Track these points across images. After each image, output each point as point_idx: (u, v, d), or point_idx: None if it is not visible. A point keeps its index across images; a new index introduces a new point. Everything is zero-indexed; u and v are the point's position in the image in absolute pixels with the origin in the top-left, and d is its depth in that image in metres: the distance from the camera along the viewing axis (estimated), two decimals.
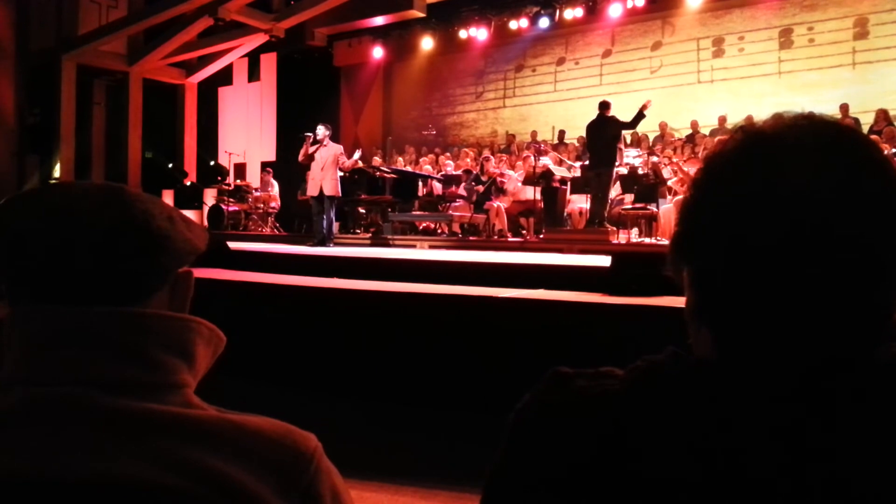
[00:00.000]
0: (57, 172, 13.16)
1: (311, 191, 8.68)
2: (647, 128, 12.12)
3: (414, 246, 9.01)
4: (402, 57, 15.73)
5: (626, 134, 10.93)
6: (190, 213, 11.42)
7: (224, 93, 15.70)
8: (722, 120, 11.57)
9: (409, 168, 12.30)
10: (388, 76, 16.40)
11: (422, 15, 11.94)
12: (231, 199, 12.55)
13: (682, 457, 0.54)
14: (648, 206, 8.77)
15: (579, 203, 9.43)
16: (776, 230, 0.54)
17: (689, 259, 0.61)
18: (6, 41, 13.03)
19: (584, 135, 10.18)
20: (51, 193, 0.73)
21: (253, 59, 14.74)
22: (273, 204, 12.46)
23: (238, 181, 13.45)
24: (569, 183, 9.64)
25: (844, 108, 10.51)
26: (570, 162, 10.69)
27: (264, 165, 13.82)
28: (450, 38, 14.33)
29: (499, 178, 10.08)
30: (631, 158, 9.81)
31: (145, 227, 0.71)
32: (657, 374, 0.58)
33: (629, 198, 9.16)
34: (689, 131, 11.75)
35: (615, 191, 9.08)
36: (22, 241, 0.68)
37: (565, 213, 9.56)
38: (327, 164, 8.49)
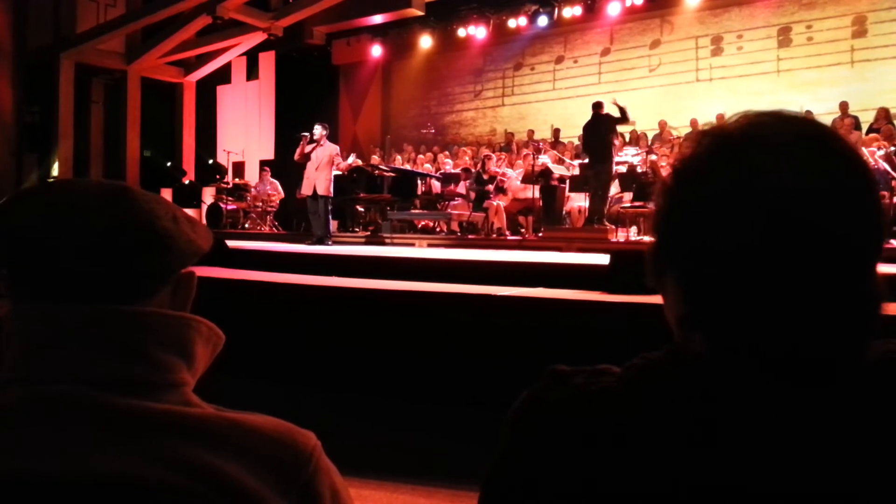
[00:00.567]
0: (55, 171, 13.14)
1: (306, 190, 8.70)
2: (646, 126, 12.14)
3: (413, 244, 9.01)
4: (400, 55, 15.73)
5: (626, 132, 10.94)
6: (188, 212, 11.39)
7: (222, 91, 15.69)
8: (720, 118, 11.38)
9: (408, 167, 12.29)
10: (387, 75, 16.39)
11: (420, 13, 11.93)
12: (229, 198, 12.54)
13: (679, 454, 0.54)
14: (647, 205, 8.78)
15: (578, 201, 9.43)
16: (756, 227, 0.53)
17: (671, 266, 0.60)
18: (4, 39, 13.00)
19: (581, 133, 10.21)
20: (55, 191, 0.73)
21: (251, 57, 14.73)
22: (272, 202, 12.45)
23: (237, 180, 13.45)
24: (567, 181, 9.64)
25: (844, 105, 10.51)
26: (568, 160, 10.69)
27: (262, 164, 13.81)
28: (448, 37, 14.32)
29: (500, 178, 10.08)
30: (630, 157, 9.82)
31: (149, 226, 0.71)
32: (654, 371, 0.58)
33: (628, 196, 9.17)
34: (689, 129, 11.74)
35: (614, 189, 9.09)
36: (25, 238, 0.68)
37: (564, 212, 9.57)
38: (322, 164, 8.50)
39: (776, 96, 11.57)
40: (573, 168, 10.05)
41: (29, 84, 13.40)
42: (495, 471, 0.62)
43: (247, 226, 12.32)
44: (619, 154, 9.28)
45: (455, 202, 10.37)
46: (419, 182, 10.39)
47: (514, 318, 3.60)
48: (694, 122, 11.74)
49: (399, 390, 3.70)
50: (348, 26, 13.31)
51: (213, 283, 4.37)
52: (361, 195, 10.19)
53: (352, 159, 9.60)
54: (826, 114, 10.63)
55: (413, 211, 10.58)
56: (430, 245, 8.88)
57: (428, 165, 12.35)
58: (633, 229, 9.03)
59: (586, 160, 8.99)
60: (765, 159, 0.55)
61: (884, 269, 0.58)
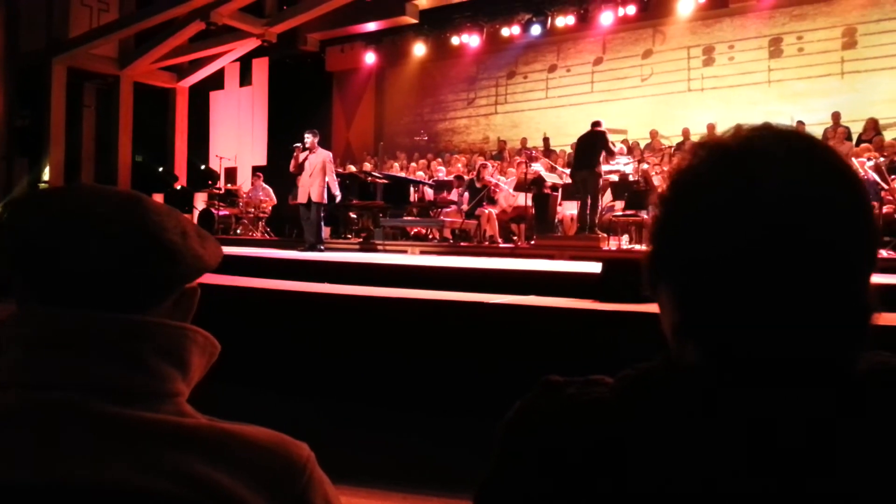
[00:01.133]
0: (46, 175, 13.07)
1: (301, 197, 8.71)
2: (638, 135, 12.20)
3: (405, 251, 9.01)
4: (394, 63, 15.76)
5: (617, 141, 10.99)
6: (182, 214, 11.34)
7: (215, 97, 15.67)
8: (711, 128, 11.63)
9: (402, 174, 12.30)
10: (381, 82, 16.42)
11: (414, 21, 11.96)
12: (221, 204, 12.51)
13: (672, 466, 0.54)
14: (639, 213, 8.81)
15: (570, 209, 9.45)
16: (751, 238, 0.54)
17: (667, 275, 0.61)
18: None
19: (573, 142, 10.25)
20: (67, 195, 0.72)
21: (245, 63, 14.73)
22: (264, 208, 12.43)
23: (229, 185, 13.41)
24: (560, 189, 9.67)
25: (836, 115, 10.60)
26: (561, 168, 10.72)
27: (255, 170, 13.79)
28: (442, 45, 14.37)
29: (492, 188, 10.10)
30: (621, 165, 9.86)
31: (156, 238, 0.70)
32: (647, 382, 0.58)
33: (619, 204, 9.20)
34: (681, 139, 11.81)
35: (606, 198, 9.13)
36: (32, 241, 0.68)
37: (556, 220, 9.59)
38: (315, 171, 8.51)
39: (767, 106, 11.66)
40: (565, 176, 10.08)
41: (20, 88, 13.35)
42: (488, 480, 0.62)
43: (238, 232, 12.29)
44: (611, 163, 9.34)
45: (448, 209, 10.38)
46: (412, 189, 10.39)
47: (506, 326, 3.60)
48: (686, 132, 11.81)
49: (390, 398, 3.68)
50: (342, 33, 13.33)
51: (204, 289, 4.34)
52: (354, 202, 10.18)
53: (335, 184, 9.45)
54: (817, 124, 10.72)
55: (406, 218, 10.58)
56: (422, 252, 8.88)
57: (421, 173, 12.35)
58: (625, 238, 9.05)
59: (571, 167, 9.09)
60: (760, 172, 0.55)
61: (874, 279, 0.58)
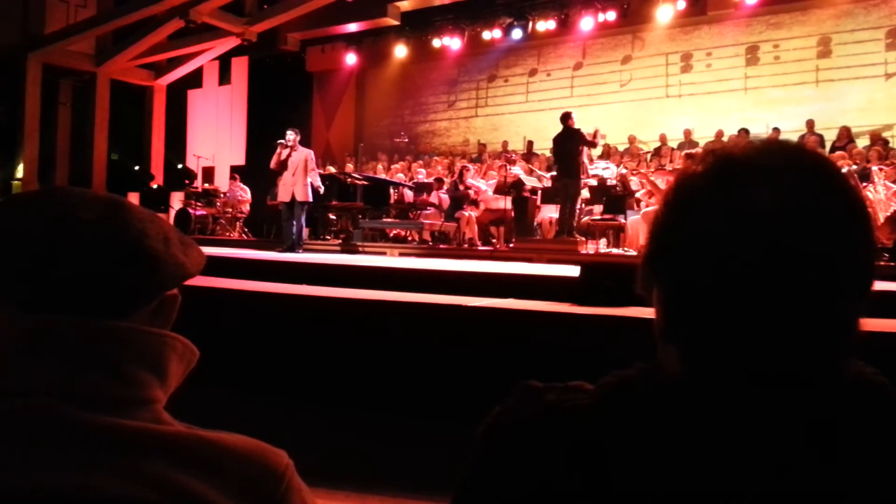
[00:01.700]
0: (20, 173, 12.86)
1: (283, 196, 8.58)
2: (616, 140, 12.30)
3: (384, 253, 8.99)
4: (375, 64, 15.73)
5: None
6: (164, 220, 11.22)
7: (194, 95, 15.53)
8: (687, 133, 11.79)
9: (383, 175, 12.28)
10: (361, 83, 16.38)
11: (395, 23, 11.98)
12: (199, 203, 12.39)
13: (650, 473, 0.54)
14: (616, 217, 8.88)
15: (549, 213, 9.50)
16: (747, 250, 0.55)
17: (659, 277, 0.61)
18: None
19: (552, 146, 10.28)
20: (48, 198, 0.71)
21: (224, 62, 14.62)
22: (242, 208, 12.33)
23: (206, 185, 13.30)
24: (539, 193, 9.72)
25: (810, 123, 10.78)
26: (540, 172, 10.78)
27: (233, 170, 13.68)
28: (423, 47, 14.37)
29: (474, 188, 10.12)
30: (600, 170, 9.93)
31: (137, 245, 0.69)
32: (627, 389, 0.59)
33: (598, 209, 9.26)
34: (658, 144, 11.93)
35: (583, 200, 9.18)
36: (10, 245, 0.67)
37: (535, 223, 9.63)
38: (298, 170, 8.42)
39: (743, 113, 11.82)
40: (545, 180, 10.14)
41: None
42: (465, 485, 0.62)
43: (216, 231, 12.18)
44: (594, 155, 9.37)
45: (427, 212, 10.38)
46: (392, 191, 10.38)
47: (485, 329, 3.61)
48: (663, 137, 11.93)
49: (368, 401, 3.67)
50: (323, 34, 13.30)
51: (181, 291, 4.30)
52: (333, 203, 10.14)
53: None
54: (792, 131, 10.89)
55: (385, 220, 10.56)
56: (401, 254, 8.87)
57: (401, 175, 12.34)
58: (603, 241, 9.12)
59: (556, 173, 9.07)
60: (760, 185, 0.56)
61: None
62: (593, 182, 9.37)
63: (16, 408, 0.63)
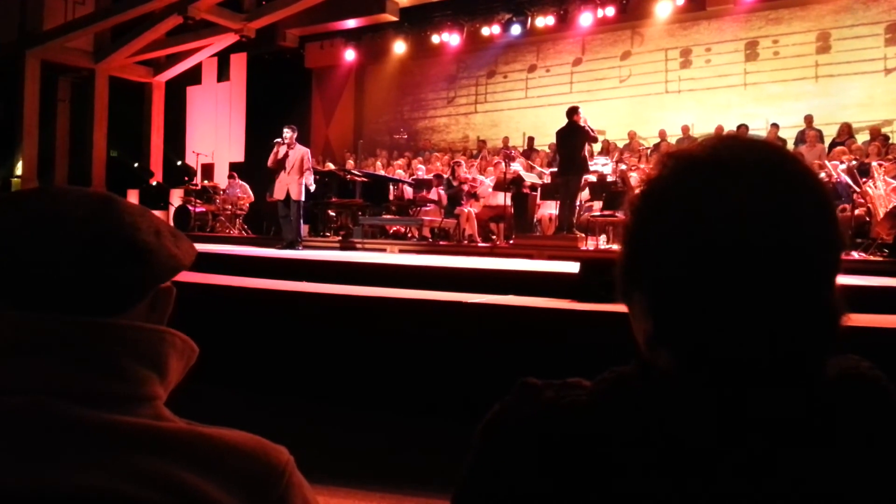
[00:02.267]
0: (19, 170, 12.85)
1: (279, 194, 8.63)
2: (616, 136, 12.30)
3: (384, 250, 8.99)
4: (374, 60, 15.71)
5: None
6: (155, 214, 11.22)
7: (192, 92, 15.51)
8: (685, 129, 11.78)
9: (382, 172, 12.27)
10: (360, 79, 16.36)
11: (394, 19, 11.94)
12: (198, 200, 12.38)
13: (649, 469, 0.55)
14: (616, 213, 8.87)
15: (549, 209, 9.50)
16: (719, 250, 0.55)
17: (639, 283, 0.62)
18: None
19: (553, 141, 10.27)
20: (39, 197, 0.71)
21: (223, 58, 14.59)
22: (242, 205, 12.32)
23: (205, 182, 13.28)
24: (539, 189, 9.71)
25: (809, 119, 10.76)
26: (540, 168, 10.77)
27: (230, 169, 13.66)
28: (422, 43, 14.35)
29: (469, 183, 10.11)
30: (599, 166, 9.93)
31: (130, 239, 0.70)
32: (624, 386, 0.59)
33: (597, 205, 9.26)
34: (658, 140, 11.92)
35: (584, 197, 9.18)
36: (3, 245, 0.67)
37: (535, 219, 9.62)
38: (294, 168, 8.44)
39: (743, 109, 11.81)
40: (545, 176, 10.14)
41: None
42: (465, 482, 0.63)
43: (216, 228, 12.17)
44: (595, 150, 9.38)
45: (427, 208, 10.38)
46: (391, 187, 10.37)
47: (485, 326, 3.61)
48: (662, 133, 11.92)
49: (369, 398, 3.68)
50: (322, 30, 13.27)
51: (180, 287, 4.30)
52: (333, 199, 10.13)
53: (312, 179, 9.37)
54: (791, 127, 10.89)
55: (385, 216, 10.56)
56: (401, 251, 8.87)
57: (401, 171, 12.33)
58: (603, 238, 9.12)
59: (557, 168, 9.05)
60: (726, 182, 0.57)
61: (844, 280, 0.59)
62: (593, 178, 9.37)
63: (14, 406, 0.63)
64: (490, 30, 13.51)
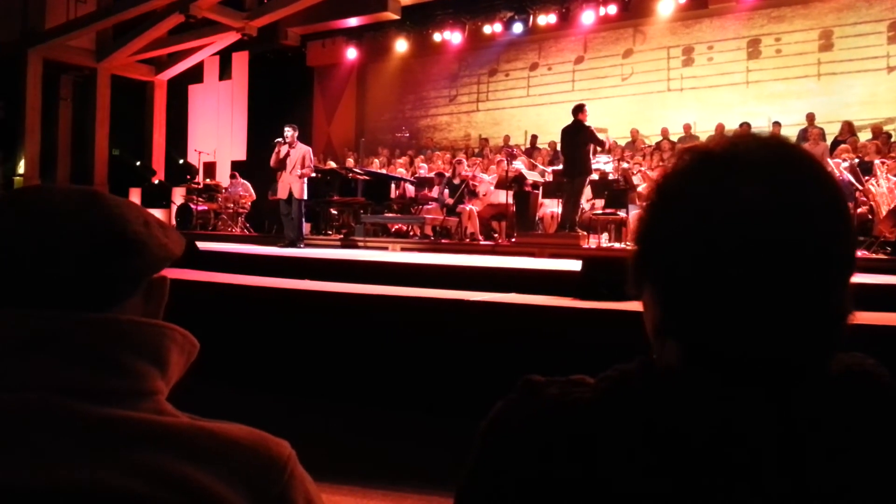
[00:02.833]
0: (21, 169, 12.87)
1: (281, 192, 8.67)
2: (618, 134, 12.28)
3: (386, 248, 8.99)
4: (375, 58, 15.70)
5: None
6: (158, 213, 11.26)
7: (194, 90, 15.52)
8: (687, 128, 11.76)
9: (384, 170, 12.27)
10: (362, 77, 16.35)
11: (396, 17, 11.93)
12: (200, 199, 12.39)
13: (652, 466, 0.55)
14: (618, 212, 8.87)
15: (551, 207, 9.50)
16: (732, 245, 0.56)
17: (649, 275, 0.62)
18: None
19: (555, 140, 10.26)
20: (26, 195, 0.72)
21: (224, 57, 14.59)
22: (244, 204, 12.32)
23: (207, 180, 13.29)
24: (541, 187, 9.71)
25: (811, 117, 10.74)
26: (542, 166, 10.77)
27: (232, 168, 13.67)
28: (424, 41, 14.34)
29: (471, 181, 10.11)
30: (601, 164, 9.92)
31: (121, 231, 0.70)
32: (627, 383, 0.59)
33: (599, 203, 9.25)
34: (660, 138, 11.91)
35: (586, 196, 9.17)
36: None
37: (537, 218, 9.62)
38: (296, 167, 8.46)
39: (745, 107, 11.78)
40: (547, 174, 10.14)
41: None
42: (469, 480, 0.63)
43: (218, 226, 12.18)
44: (600, 156, 9.38)
45: (429, 206, 10.37)
46: (393, 186, 10.37)
47: (487, 324, 3.61)
48: (665, 132, 11.90)
49: (370, 396, 3.68)
50: (323, 28, 13.26)
51: (182, 286, 4.31)
52: (335, 198, 10.14)
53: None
54: (793, 125, 10.86)
55: (387, 214, 10.56)
56: (403, 249, 8.87)
57: (402, 170, 12.33)
58: (605, 236, 9.11)
59: (560, 167, 9.04)
60: (741, 178, 0.57)
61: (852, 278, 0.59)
62: (595, 176, 9.36)
63: (16, 403, 0.63)
64: (492, 28, 13.49)
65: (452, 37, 13.90)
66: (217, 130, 14.89)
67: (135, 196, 12.87)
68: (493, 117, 14.82)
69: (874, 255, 6.82)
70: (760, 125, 10.93)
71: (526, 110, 14.29)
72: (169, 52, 13.69)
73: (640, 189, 9.33)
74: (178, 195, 13.15)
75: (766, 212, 0.55)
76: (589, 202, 9.37)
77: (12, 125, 13.03)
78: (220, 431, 0.68)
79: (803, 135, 10.53)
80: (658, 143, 11.70)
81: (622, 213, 8.82)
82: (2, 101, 13.56)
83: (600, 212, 9.09)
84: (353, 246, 9.27)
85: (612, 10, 12.33)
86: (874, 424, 0.55)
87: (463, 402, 2.51)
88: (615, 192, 9.02)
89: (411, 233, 10.55)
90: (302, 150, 8.56)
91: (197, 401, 0.86)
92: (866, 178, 7.80)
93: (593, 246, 8.41)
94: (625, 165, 9.92)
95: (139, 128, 14.46)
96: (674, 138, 11.70)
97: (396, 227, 10.81)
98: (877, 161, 8.11)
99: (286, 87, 15.06)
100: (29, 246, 0.67)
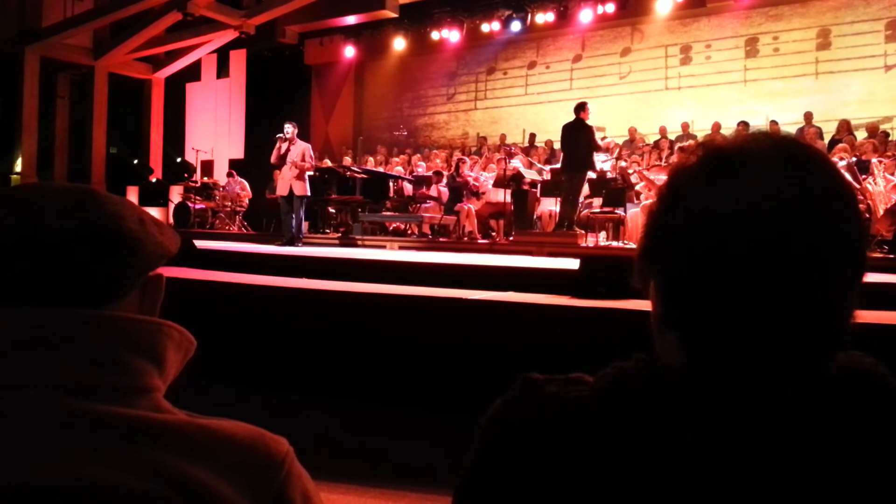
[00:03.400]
0: (18, 167, 12.84)
1: (281, 190, 8.64)
2: (616, 133, 12.28)
3: (384, 247, 8.99)
4: (373, 57, 15.69)
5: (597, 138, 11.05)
6: (155, 211, 11.26)
7: (192, 89, 15.49)
8: (685, 126, 11.77)
9: (381, 169, 12.27)
10: (360, 76, 16.34)
11: (394, 15, 11.93)
12: (198, 197, 12.37)
13: (650, 464, 0.55)
14: (616, 210, 8.87)
15: (549, 206, 9.50)
16: (739, 242, 0.56)
17: (655, 269, 0.62)
18: None
19: (553, 138, 10.26)
20: (21, 193, 0.72)
21: (222, 55, 14.58)
22: (241, 202, 12.31)
23: (205, 178, 13.28)
24: (539, 186, 9.71)
25: (808, 115, 10.75)
26: (540, 165, 10.77)
27: (230, 166, 13.65)
28: (422, 39, 14.33)
29: (472, 182, 10.11)
30: (600, 163, 9.93)
31: (116, 229, 0.70)
32: (626, 381, 0.59)
33: (597, 201, 9.26)
34: (658, 137, 11.91)
35: (584, 193, 9.18)
36: None
37: (535, 216, 9.62)
38: (295, 163, 8.45)
39: (743, 106, 11.80)
40: (545, 173, 10.14)
41: None
42: (467, 478, 0.63)
43: (215, 225, 12.17)
44: (595, 157, 9.37)
45: (427, 205, 10.37)
46: (391, 184, 10.37)
47: (485, 322, 3.61)
48: (663, 130, 11.90)
49: (368, 395, 3.68)
50: (321, 26, 13.26)
51: (180, 284, 4.30)
52: (333, 196, 10.13)
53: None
54: (791, 123, 10.87)
55: (385, 213, 10.55)
56: (401, 247, 8.87)
57: (400, 168, 12.33)
58: (603, 234, 9.12)
59: (558, 165, 9.04)
60: (752, 176, 0.57)
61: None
62: (593, 175, 9.37)
63: (13, 400, 0.63)
64: (490, 26, 13.49)
65: (450, 35, 13.89)
66: (215, 129, 14.87)
67: (132, 194, 12.85)
68: (491, 116, 14.82)
69: (871, 254, 6.84)
70: (758, 124, 10.93)
71: (524, 109, 14.29)
72: (166, 50, 13.67)
73: (637, 187, 9.34)
74: (176, 193, 13.13)
75: (774, 209, 0.55)
76: (587, 201, 9.36)
77: (9, 123, 13.01)
78: (218, 428, 0.68)
79: (800, 134, 10.54)
80: (656, 142, 11.71)
81: (620, 212, 8.83)
82: None
83: (598, 210, 9.09)
84: (351, 244, 9.27)
85: (611, 8, 12.33)
86: (874, 424, 0.55)
87: (461, 400, 2.51)
88: (613, 190, 9.03)
89: (409, 231, 10.55)
90: (301, 146, 8.55)
91: (194, 398, 0.86)
92: (864, 176, 7.81)
93: (591, 244, 8.41)
94: (622, 164, 9.92)
95: (136, 126, 14.44)
96: (672, 137, 11.71)
97: (394, 225, 10.81)
98: (874, 160, 8.12)
99: (284, 86, 15.05)
100: (25, 244, 0.67)
